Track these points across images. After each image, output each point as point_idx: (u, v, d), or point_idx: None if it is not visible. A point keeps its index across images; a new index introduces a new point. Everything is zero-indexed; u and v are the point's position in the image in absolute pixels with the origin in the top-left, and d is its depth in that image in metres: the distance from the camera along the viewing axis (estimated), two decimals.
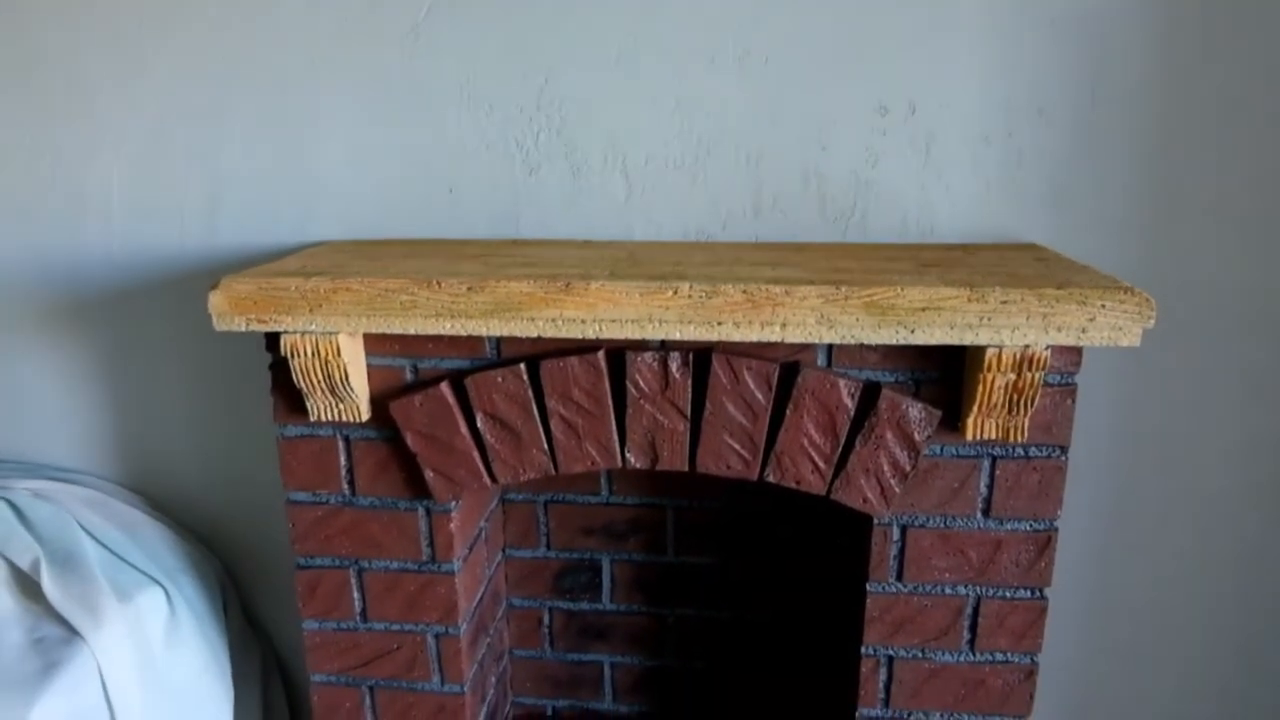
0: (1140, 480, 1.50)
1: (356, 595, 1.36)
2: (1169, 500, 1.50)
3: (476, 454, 1.25)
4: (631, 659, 1.63)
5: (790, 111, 1.39)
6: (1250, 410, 1.45)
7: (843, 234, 1.43)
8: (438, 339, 1.23)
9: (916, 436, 1.19)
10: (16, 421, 1.66)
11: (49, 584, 1.38)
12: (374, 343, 1.24)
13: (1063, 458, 1.21)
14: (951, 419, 1.20)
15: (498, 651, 1.57)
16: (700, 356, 1.19)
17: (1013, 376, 1.12)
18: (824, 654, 1.58)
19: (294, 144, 1.47)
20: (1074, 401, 1.19)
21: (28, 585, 1.41)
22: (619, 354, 1.20)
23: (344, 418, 1.25)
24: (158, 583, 1.48)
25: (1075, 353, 1.17)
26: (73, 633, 1.35)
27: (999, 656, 1.29)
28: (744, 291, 1.09)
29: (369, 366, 1.25)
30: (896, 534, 1.25)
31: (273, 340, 1.23)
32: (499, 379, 1.22)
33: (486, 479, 1.26)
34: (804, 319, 1.09)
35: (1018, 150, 1.38)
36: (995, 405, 1.15)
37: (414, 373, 1.25)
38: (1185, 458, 1.48)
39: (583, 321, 1.12)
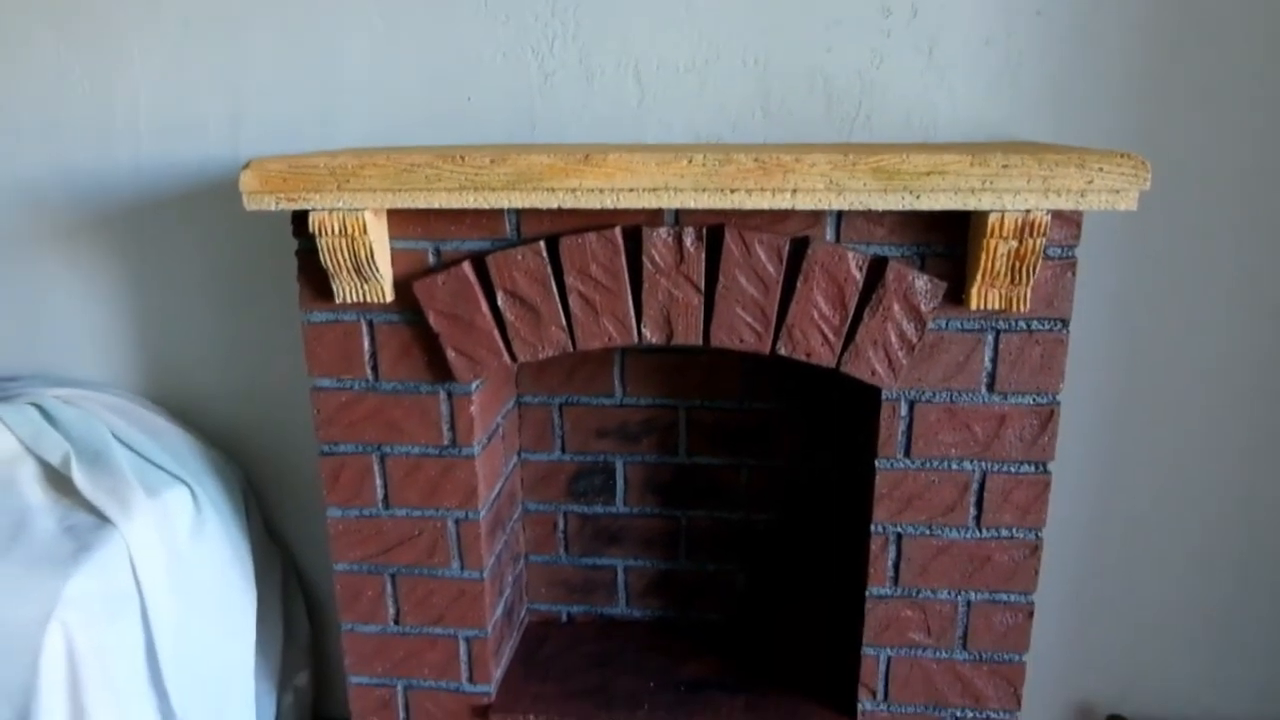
0: (1140, 359, 1.54)
1: (379, 482, 1.39)
2: (1168, 380, 1.55)
3: (497, 333, 1.29)
4: (645, 562, 1.66)
5: (796, 14, 1.43)
6: (1244, 290, 1.50)
7: (848, 134, 1.47)
8: (459, 220, 1.27)
9: (922, 308, 1.24)
10: (42, 337, 1.70)
11: (79, 478, 1.42)
12: (397, 225, 1.28)
13: (1064, 331, 1.25)
14: (956, 292, 1.24)
15: (514, 552, 1.61)
16: (713, 231, 1.23)
17: (1014, 244, 1.16)
18: (832, 557, 1.62)
19: (315, 57, 1.52)
20: (1074, 275, 1.23)
21: (58, 481, 1.45)
22: (635, 231, 1.24)
23: (368, 299, 1.29)
24: (183, 482, 1.52)
25: (1075, 225, 1.21)
26: (104, 520, 1.39)
27: (1004, 532, 1.33)
28: (755, 159, 1.14)
29: (393, 250, 1.29)
30: (904, 409, 1.29)
31: (300, 225, 1.27)
32: (519, 257, 1.26)
33: (506, 357, 1.30)
34: (814, 184, 1.14)
35: (1018, 51, 1.43)
36: (998, 274, 1.19)
37: (436, 255, 1.29)
38: (1184, 335, 1.54)
39: (600, 192, 1.17)
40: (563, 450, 1.61)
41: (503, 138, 1.51)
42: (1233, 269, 1.49)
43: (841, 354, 1.26)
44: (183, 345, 1.68)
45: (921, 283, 1.23)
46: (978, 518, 1.33)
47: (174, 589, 1.42)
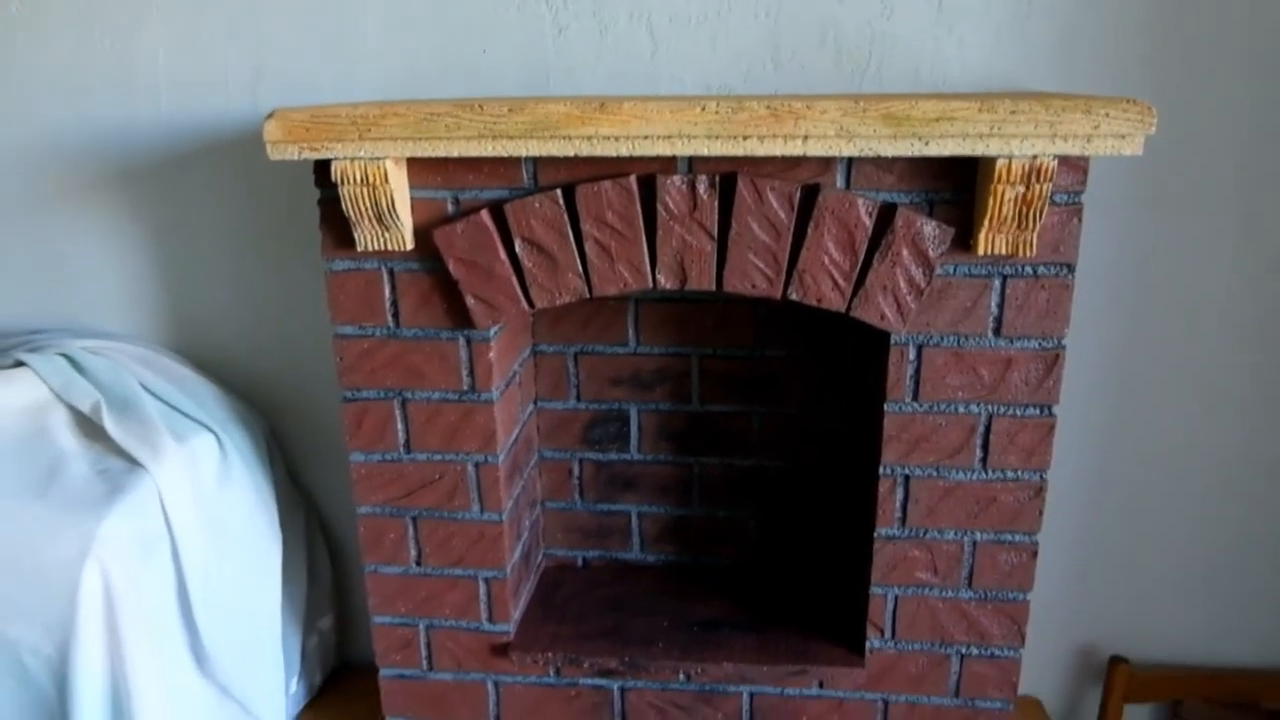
0: (1147, 306, 1.58)
1: (400, 426, 1.43)
2: (1174, 328, 1.59)
3: (515, 279, 1.33)
4: (658, 508, 1.71)
5: None
6: (1249, 237, 1.53)
7: (858, 86, 1.49)
8: (478, 169, 1.30)
9: (931, 253, 1.26)
10: (68, 290, 1.74)
11: (110, 424, 1.46)
12: (417, 174, 1.31)
13: (1069, 276, 1.28)
14: (963, 237, 1.27)
15: (531, 498, 1.65)
16: (726, 179, 1.26)
17: (1021, 189, 1.19)
18: (841, 502, 1.66)
19: (332, 11, 1.54)
20: (1080, 221, 1.26)
21: (89, 428, 1.49)
22: (649, 178, 1.27)
23: (389, 247, 1.32)
24: (210, 429, 1.56)
25: (1081, 171, 1.23)
26: (134, 465, 1.43)
27: (1010, 474, 1.36)
28: (768, 106, 1.16)
29: (412, 199, 1.33)
30: (913, 353, 1.33)
31: (322, 174, 1.30)
32: (536, 205, 1.29)
33: (524, 304, 1.33)
34: (825, 131, 1.16)
35: (1026, 1, 1.44)
36: (1005, 219, 1.21)
37: (455, 204, 1.32)
38: (1191, 282, 1.56)
39: (616, 139, 1.19)
40: (578, 398, 1.65)
41: (518, 91, 1.54)
42: (1238, 216, 1.52)
43: (851, 299, 1.29)
44: (205, 297, 1.72)
45: (930, 229, 1.25)
46: (984, 459, 1.36)
47: (203, 531, 1.47)
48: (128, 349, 1.66)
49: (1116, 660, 1.73)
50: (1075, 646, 1.79)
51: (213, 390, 1.65)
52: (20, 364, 1.52)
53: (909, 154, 1.17)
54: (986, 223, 1.22)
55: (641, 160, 1.25)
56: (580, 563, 1.76)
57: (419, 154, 1.23)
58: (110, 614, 1.32)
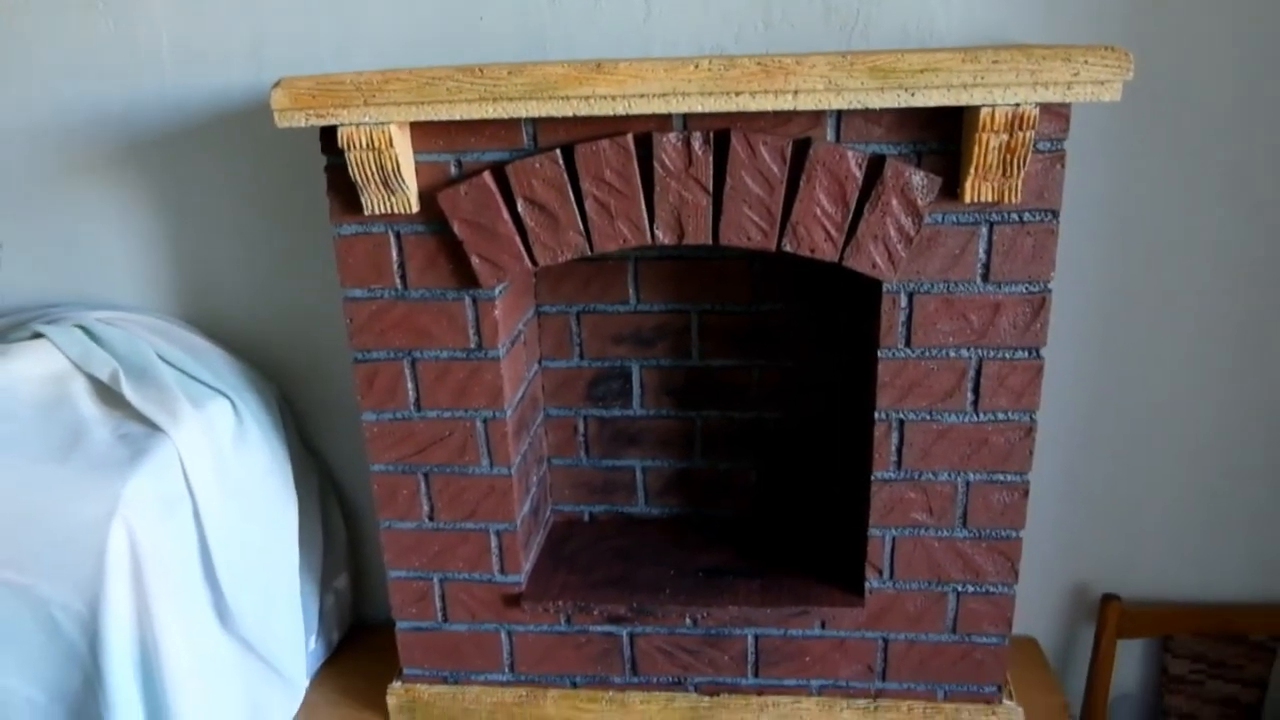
0: (1132, 250, 1.62)
1: (410, 385, 1.48)
2: (1160, 271, 1.64)
3: (518, 238, 1.37)
4: (662, 462, 1.76)
5: None
6: (1230, 184, 1.58)
7: (847, 43, 1.53)
8: (479, 131, 1.34)
9: (919, 202, 1.31)
10: (78, 265, 1.78)
11: (129, 391, 1.51)
12: (420, 138, 1.35)
13: (1054, 221, 1.32)
14: (951, 186, 1.31)
15: (538, 454, 1.70)
16: (720, 135, 1.30)
17: (1005, 137, 1.23)
18: (839, 450, 1.71)
19: None
20: (1063, 167, 1.30)
21: (108, 396, 1.54)
22: (646, 137, 1.31)
23: (395, 210, 1.36)
24: (224, 395, 1.60)
25: (1063, 119, 1.28)
26: (154, 429, 1.48)
27: (1000, 415, 1.41)
28: (759, 63, 1.20)
29: (417, 163, 1.37)
30: (904, 301, 1.37)
31: (329, 141, 1.34)
32: (537, 165, 1.33)
33: (528, 262, 1.38)
34: (814, 85, 1.20)
35: None
36: (990, 167, 1.26)
37: (458, 166, 1.37)
38: (1175, 227, 1.61)
39: (613, 98, 1.23)
40: (581, 357, 1.70)
41: (514, 57, 1.57)
42: (1219, 163, 1.56)
43: (843, 249, 1.34)
44: (213, 268, 1.76)
45: (918, 178, 1.30)
46: (975, 402, 1.41)
47: (222, 493, 1.51)
48: (141, 319, 1.70)
49: (1109, 598, 1.78)
50: (1069, 587, 1.84)
51: (225, 358, 1.70)
52: (38, 336, 1.57)
53: (896, 105, 1.21)
54: (972, 171, 1.26)
55: (638, 119, 1.29)
56: (587, 517, 1.81)
57: (422, 118, 1.27)
58: (137, 572, 1.37)
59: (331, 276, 1.54)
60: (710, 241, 1.34)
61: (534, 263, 1.38)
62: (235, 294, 1.77)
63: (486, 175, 1.35)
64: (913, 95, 1.21)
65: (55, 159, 1.71)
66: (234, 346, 1.76)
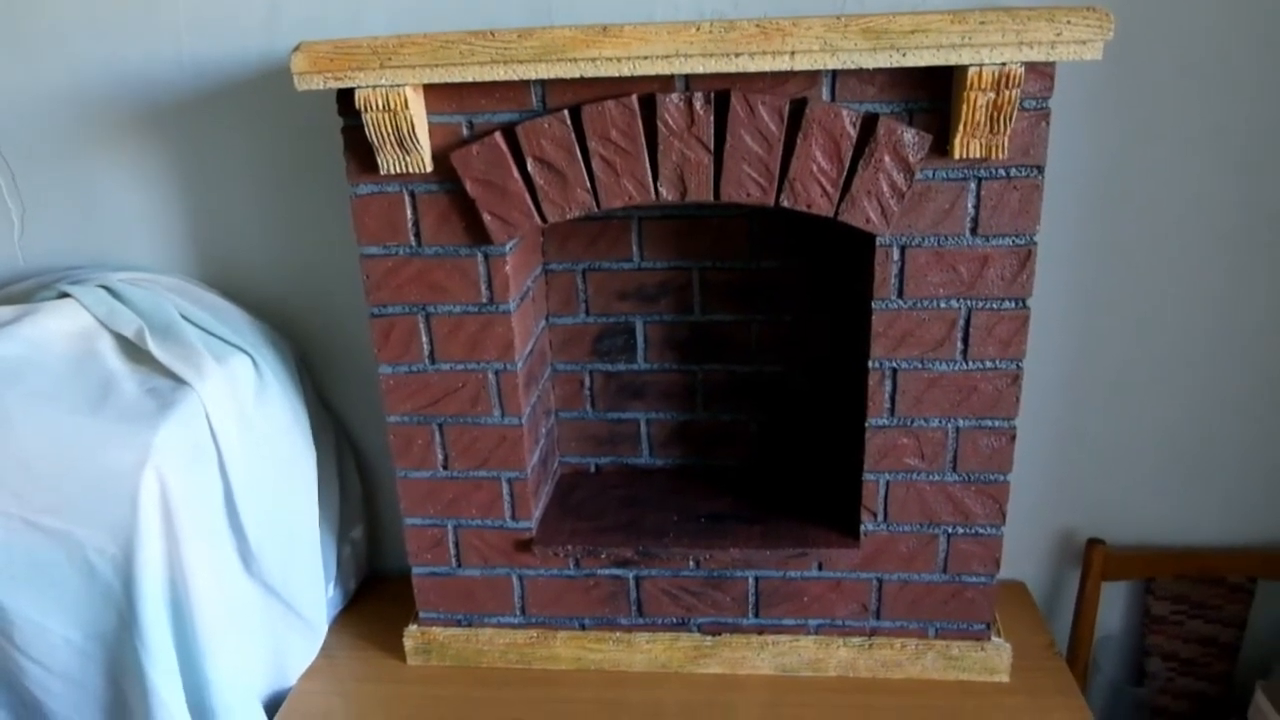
0: (1116, 205, 1.69)
1: (425, 339, 1.55)
2: (1143, 225, 1.70)
3: (528, 196, 1.43)
4: (665, 415, 1.83)
5: None
6: (1210, 139, 1.65)
7: (842, 6, 1.59)
8: (490, 93, 1.40)
9: (911, 159, 1.37)
10: (100, 228, 1.83)
11: (154, 347, 1.57)
12: (434, 100, 1.41)
13: (1039, 177, 1.38)
14: (941, 143, 1.37)
15: (546, 407, 1.77)
16: (720, 95, 1.36)
17: (992, 95, 1.29)
18: (834, 401, 1.78)
19: None
20: (1047, 124, 1.36)
21: (134, 352, 1.60)
22: (649, 98, 1.37)
23: (410, 170, 1.42)
24: (245, 352, 1.67)
25: (1048, 78, 1.34)
26: (180, 383, 1.55)
27: (988, 364, 1.48)
28: (757, 25, 1.26)
29: (430, 124, 1.42)
30: (896, 254, 1.44)
31: (345, 103, 1.40)
32: (545, 125, 1.39)
33: (537, 219, 1.44)
34: (810, 46, 1.26)
35: None
36: (979, 124, 1.32)
37: (469, 127, 1.42)
38: (1158, 183, 1.67)
39: (618, 60, 1.29)
40: (587, 313, 1.76)
41: (522, 21, 1.63)
42: (1198, 117, 1.62)
43: (839, 204, 1.40)
44: (231, 230, 1.82)
45: (910, 136, 1.36)
46: (964, 351, 1.48)
47: (245, 444, 1.58)
48: (162, 279, 1.76)
49: (1094, 542, 1.86)
50: (1056, 531, 1.92)
51: (244, 316, 1.76)
52: (64, 296, 1.63)
53: (888, 65, 1.27)
54: (961, 128, 1.32)
55: (642, 80, 1.35)
56: (594, 469, 1.88)
57: (436, 80, 1.33)
58: (168, 517, 1.44)
59: (344, 238, 1.60)
60: (712, 198, 1.41)
61: (543, 219, 1.44)
62: (252, 255, 1.83)
63: (497, 135, 1.41)
64: (904, 55, 1.27)
65: (77, 126, 1.77)
66: (252, 306, 1.82)
